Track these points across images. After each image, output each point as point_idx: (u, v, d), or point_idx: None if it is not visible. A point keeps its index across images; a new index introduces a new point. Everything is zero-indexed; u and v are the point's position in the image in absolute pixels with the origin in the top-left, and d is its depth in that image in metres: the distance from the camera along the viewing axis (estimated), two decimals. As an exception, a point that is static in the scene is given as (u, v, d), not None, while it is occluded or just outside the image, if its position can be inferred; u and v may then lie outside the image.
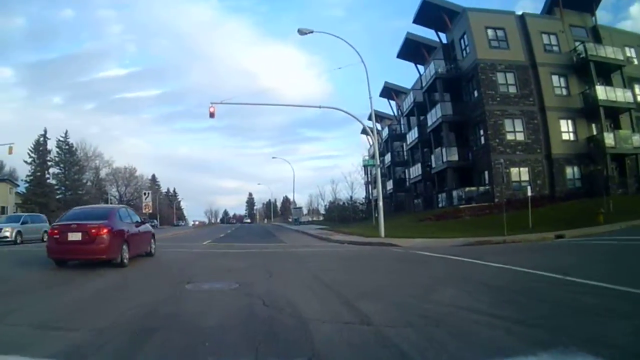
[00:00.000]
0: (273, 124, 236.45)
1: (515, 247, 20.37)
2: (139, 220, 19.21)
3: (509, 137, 43.33)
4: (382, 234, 29.09)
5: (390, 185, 72.49)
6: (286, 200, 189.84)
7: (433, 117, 50.09)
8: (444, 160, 47.76)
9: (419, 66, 58.62)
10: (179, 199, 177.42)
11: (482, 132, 44.62)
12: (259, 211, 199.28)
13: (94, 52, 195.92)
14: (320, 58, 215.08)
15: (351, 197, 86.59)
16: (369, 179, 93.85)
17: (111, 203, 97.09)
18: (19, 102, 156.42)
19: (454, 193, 46.34)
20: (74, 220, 15.84)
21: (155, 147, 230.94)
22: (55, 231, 15.43)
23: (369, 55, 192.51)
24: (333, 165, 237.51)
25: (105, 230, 14.96)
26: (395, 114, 74.16)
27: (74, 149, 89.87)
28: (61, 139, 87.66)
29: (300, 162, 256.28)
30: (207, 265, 16.43)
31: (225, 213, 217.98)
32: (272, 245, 28.31)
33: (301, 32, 31.19)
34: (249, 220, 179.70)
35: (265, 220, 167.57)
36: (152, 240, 20.21)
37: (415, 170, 59.74)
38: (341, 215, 72.97)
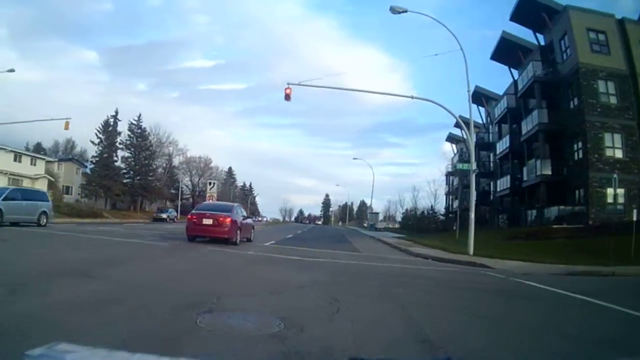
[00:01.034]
0: (355, 126, 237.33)
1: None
2: (245, 215, 28.31)
3: (608, 153, 39.15)
4: (471, 250, 25.67)
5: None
6: (362, 204, 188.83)
7: (528, 124, 46.00)
8: (538, 173, 43.73)
9: (513, 70, 54.76)
10: (255, 194, 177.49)
11: (580, 144, 40.51)
12: (334, 213, 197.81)
13: (181, 41, 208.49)
14: (406, 64, 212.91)
15: (432, 206, 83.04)
16: (451, 189, 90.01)
17: (182, 193, 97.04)
18: (102, 86, 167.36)
19: (546, 211, 42.21)
20: (207, 211, 23.94)
21: (235, 141, 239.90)
22: (194, 217, 23.27)
23: (456, 61, 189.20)
24: (411, 173, 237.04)
25: (228, 220, 22.77)
26: (484, 121, 69.98)
27: (146, 133, 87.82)
28: (134, 122, 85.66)
29: (379, 167, 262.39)
30: (252, 276, 13.07)
31: (300, 212, 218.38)
32: (343, 253, 24.66)
33: (394, 10, 27.92)
34: (320, 222, 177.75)
35: (340, 223, 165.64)
36: (252, 230, 28.36)
37: (503, 183, 55.55)
38: (419, 225, 69.06)
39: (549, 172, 43.23)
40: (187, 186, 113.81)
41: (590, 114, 39.23)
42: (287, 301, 9.14)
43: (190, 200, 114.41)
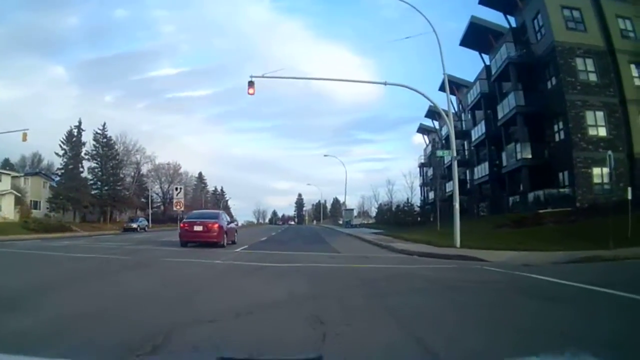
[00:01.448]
0: (327, 126, 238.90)
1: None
2: (229, 220, 31.96)
3: (591, 132, 37.80)
4: (458, 243, 23.86)
5: (449, 187, 66.37)
6: (336, 202, 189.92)
7: (505, 108, 44.48)
8: (518, 157, 42.13)
9: (484, 56, 53.34)
10: (227, 198, 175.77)
11: (561, 125, 39.32)
12: (308, 212, 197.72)
13: (148, 51, 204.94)
14: (373, 62, 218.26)
15: (408, 199, 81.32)
16: (425, 180, 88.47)
17: (153, 201, 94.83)
18: (73, 100, 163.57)
19: (530, 196, 40.59)
20: (197, 219, 27.02)
21: (209, 147, 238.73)
22: (186, 225, 26.47)
23: (427, 52, 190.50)
24: (383, 167, 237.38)
25: (216, 225, 25.81)
26: (456, 109, 68.35)
27: (111, 142, 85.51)
28: (99, 131, 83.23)
29: (351, 165, 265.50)
30: (218, 293, 10.76)
31: (274, 214, 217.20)
32: (322, 255, 22.41)
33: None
34: (293, 223, 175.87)
35: (314, 221, 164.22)
36: (235, 234, 30.99)
37: (481, 170, 53.98)
38: (395, 219, 66.97)
39: (530, 156, 41.82)
40: (157, 194, 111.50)
41: (570, 93, 38.01)
42: (256, 328, 6.80)
43: (162, 208, 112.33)
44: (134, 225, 68.61)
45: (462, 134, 63.62)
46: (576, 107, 37.77)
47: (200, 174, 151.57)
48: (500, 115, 45.62)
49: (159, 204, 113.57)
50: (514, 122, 43.27)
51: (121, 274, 14.01)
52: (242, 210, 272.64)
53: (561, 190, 38.45)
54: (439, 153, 32.46)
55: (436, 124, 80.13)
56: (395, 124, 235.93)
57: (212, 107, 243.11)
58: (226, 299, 9.65)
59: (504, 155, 45.94)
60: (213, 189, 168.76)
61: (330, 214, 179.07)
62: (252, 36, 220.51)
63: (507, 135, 45.81)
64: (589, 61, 38.97)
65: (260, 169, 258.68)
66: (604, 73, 38.50)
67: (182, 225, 27.56)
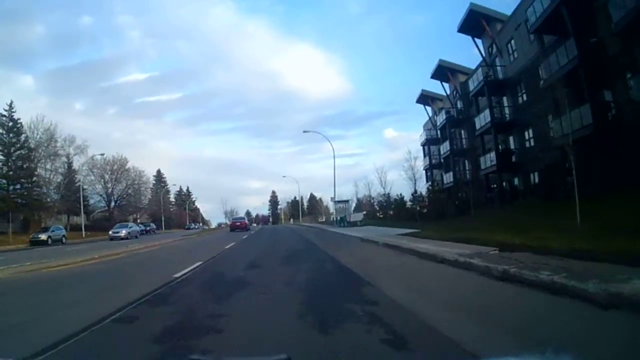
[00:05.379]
0: (297, 124, 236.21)
1: None
2: (248, 220, 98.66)
3: None
4: None
5: (487, 161, 46.98)
6: (312, 198, 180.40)
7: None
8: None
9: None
10: (194, 199, 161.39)
11: None
12: (283, 210, 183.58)
13: (115, 57, 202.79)
14: (339, 56, 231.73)
15: (430, 182, 63.39)
16: (432, 162, 69.75)
17: (88, 202, 77.24)
18: (40, 110, 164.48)
19: None
20: (237, 220, 73.77)
21: (177, 150, 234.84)
22: (232, 223, 71.04)
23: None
24: (355, 163, 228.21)
25: (245, 222, 73.10)
26: (484, 54, 49.37)
27: (18, 126, 63.02)
28: (4, 113, 61.62)
29: (322, 161, 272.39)
30: None
31: (247, 213, 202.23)
32: None
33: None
34: (257, 225, 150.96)
35: (291, 220, 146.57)
36: (250, 225, 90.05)
37: (569, 123, 32.07)
38: (404, 213, 48.56)
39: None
40: (100, 195, 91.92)
41: None
42: None
43: (107, 213, 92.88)
44: (43, 237, 50.77)
45: (495, 86, 46.48)
46: None
47: (158, 171, 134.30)
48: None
49: (103, 208, 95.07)
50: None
51: None
52: (213, 212, 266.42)
53: None
54: None
55: (446, 86, 61.75)
56: (364, 119, 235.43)
57: (181, 110, 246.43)
58: None
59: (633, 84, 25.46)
60: (178, 189, 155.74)
61: (307, 211, 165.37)
62: (219, 38, 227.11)
63: (597, 75, 26.77)
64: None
65: (231, 170, 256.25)
66: None
67: (230, 223, 74.39)
